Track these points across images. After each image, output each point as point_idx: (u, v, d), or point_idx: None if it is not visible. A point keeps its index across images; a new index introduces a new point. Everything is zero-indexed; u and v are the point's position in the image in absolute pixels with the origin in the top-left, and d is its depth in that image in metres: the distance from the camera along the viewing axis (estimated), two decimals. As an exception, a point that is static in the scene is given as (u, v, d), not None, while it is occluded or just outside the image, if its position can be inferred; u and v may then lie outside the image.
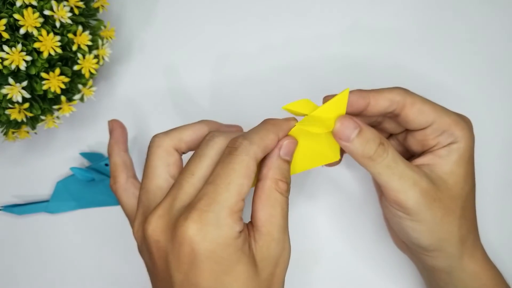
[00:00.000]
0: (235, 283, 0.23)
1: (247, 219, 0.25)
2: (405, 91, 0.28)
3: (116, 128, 0.33)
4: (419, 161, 0.28)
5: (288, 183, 0.25)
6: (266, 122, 0.26)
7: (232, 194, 0.23)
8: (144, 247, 0.25)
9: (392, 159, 0.26)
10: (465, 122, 0.28)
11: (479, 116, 0.32)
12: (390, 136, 0.32)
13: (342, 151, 0.31)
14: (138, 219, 0.26)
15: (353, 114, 0.27)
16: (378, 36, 0.40)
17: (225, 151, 0.24)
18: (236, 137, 0.24)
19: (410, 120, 0.28)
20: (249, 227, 0.24)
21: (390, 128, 0.31)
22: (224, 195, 0.23)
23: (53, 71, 0.32)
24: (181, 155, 0.28)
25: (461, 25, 0.40)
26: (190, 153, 0.28)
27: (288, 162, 0.26)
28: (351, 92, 0.27)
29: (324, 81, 0.40)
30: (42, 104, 0.34)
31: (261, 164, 0.25)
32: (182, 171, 0.25)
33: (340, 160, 0.32)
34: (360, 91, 0.27)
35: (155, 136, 0.28)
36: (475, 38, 0.40)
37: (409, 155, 0.31)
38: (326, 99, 0.28)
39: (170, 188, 0.25)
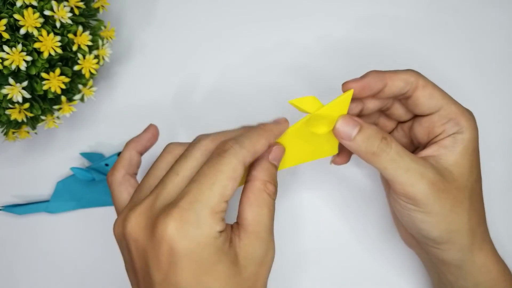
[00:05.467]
0: (215, 283, 0.23)
1: (232, 220, 0.25)
2: (418, 73, 0.28)
3: (148, 131, 0.32)
4: (425, 152, 0.28)
5: (276, 186, 0.26)
6: (258, 127, 0.26)
7: (215, 194, 0.23)
8: (124, 244, 0.25)
9: (396, 152, 0.27)
10: (470, 114, 0.28)
11: (484, 112, 0.33)
12: (397, 125, 0.33)
13: (350, 153, 0.32)
14: (122, 214, 0.25)
15: (371, 95, 0.28)
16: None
17: (214, 152, 0.24)
18: (226, 139, 0.25)
19: (420, 103, 0.28)
20: (234, 226, 0.25)
21: (398, 114, 0.31)
22: (206, 194, 0.22)
23: (53, 71, 0.32)
24: None
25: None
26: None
27: (276, 167, 0.26)
28: (369, 73, 0.28)
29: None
30: (43, 104, 0.34)
31: (250, 167, 0.26)
32: (168, 171, 0.25)
33: (348, 159, 0.32)
34: (377, 72, 0.28)
35: (170, 144, 0.28)
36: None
37: (414, 148, 0.32)
38: (345, 86, 0.28)
39: (155, 187, 0.25)
